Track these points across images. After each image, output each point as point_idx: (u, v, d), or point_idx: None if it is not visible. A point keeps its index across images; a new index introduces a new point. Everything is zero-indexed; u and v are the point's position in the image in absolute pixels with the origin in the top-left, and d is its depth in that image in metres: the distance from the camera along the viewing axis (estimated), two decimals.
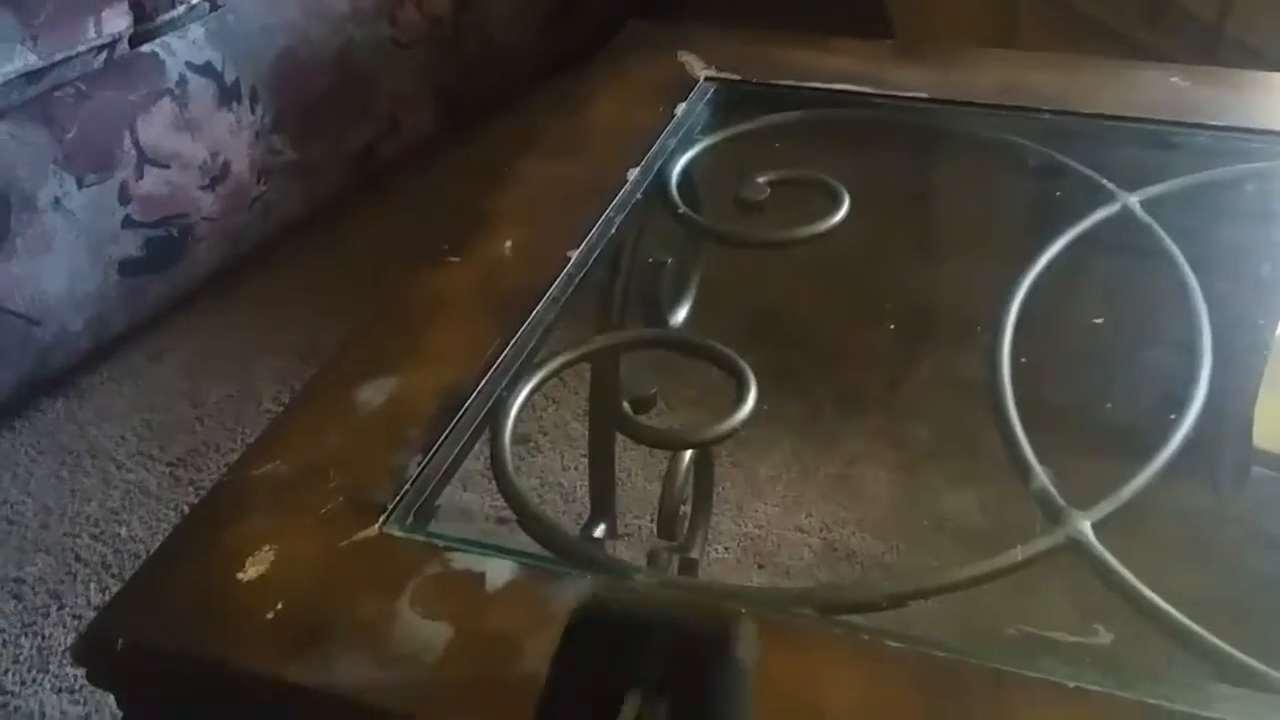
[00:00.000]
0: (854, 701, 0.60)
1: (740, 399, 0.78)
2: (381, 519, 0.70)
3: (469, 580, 0.67)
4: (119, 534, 1.60)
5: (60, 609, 1.50)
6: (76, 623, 1.48)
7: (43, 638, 1.47)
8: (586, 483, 1.55)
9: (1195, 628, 0.63)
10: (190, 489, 1.65)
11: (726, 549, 1.46)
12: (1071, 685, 0.59)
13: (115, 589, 1.59)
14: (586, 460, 1.57)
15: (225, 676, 0.64)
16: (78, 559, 1.56)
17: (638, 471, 1.53)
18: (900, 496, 1.49)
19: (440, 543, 0.69)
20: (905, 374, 1.49)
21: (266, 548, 0.69)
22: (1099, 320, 0.92)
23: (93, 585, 1.53)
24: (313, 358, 1.81)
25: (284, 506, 0.72)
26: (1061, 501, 0.70)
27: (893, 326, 1.19)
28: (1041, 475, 0.71)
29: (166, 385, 1.82)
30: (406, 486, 0.73)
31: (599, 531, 1.16)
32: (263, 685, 0.63)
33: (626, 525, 1.47)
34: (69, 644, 1.45)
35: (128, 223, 1.76)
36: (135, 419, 1.77)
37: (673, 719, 0.32)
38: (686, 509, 1.36)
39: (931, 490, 1.49)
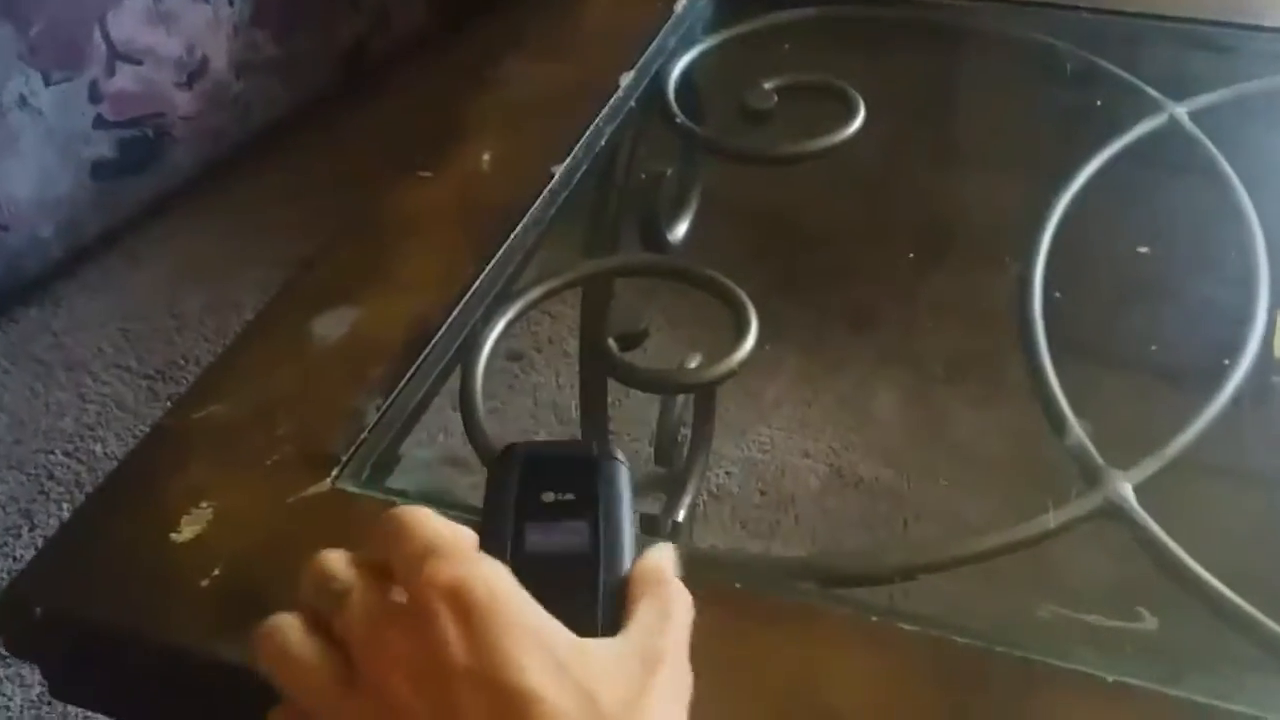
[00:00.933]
0: (862, 696, 0.52)
1: (740, 335, 0.70)
2: (335, 472, 0.63)
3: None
4: (94, 451, 1.53)
5: (32, 530, 1.44)
6: None
7: (14, 559, 1.41)
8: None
9: (1252, 611, 0.55)
10: (168, 404, 1.58)
11: (728, 473, 1.39)
12: (1111, 679, 0.52)
13: None
14: None
15: (155, 652, 0.57)
16: (50, 476, 1.50)
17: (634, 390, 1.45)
18: (913, 421, 1.42)
19: (401, 500, 0.61)
20: (921, 295, 1.40)
21: (204, 504, 0.61)
22: (1143, 249, 0.83)
23: (65, 505, 1.46)
24: (296, 267, 1.72)
25: (226, 456, 0.64)
26: (1099, 460, 0.62)
27: (910, 246, 1.10)
28: (1077, 429, 0.63)
29: (144, 294, 1.74)
30: (364, 434, 0.65)
31: None
32: (197, 663, 0.56)
33: (621, 447, 1.40)
34: None
35: (99, 123, 1.67)
36: (112, 328, 1.70)
37: (578, 504, 0.50)
38: (686, 432, 1.28)
39: (946, 415, 1.41)
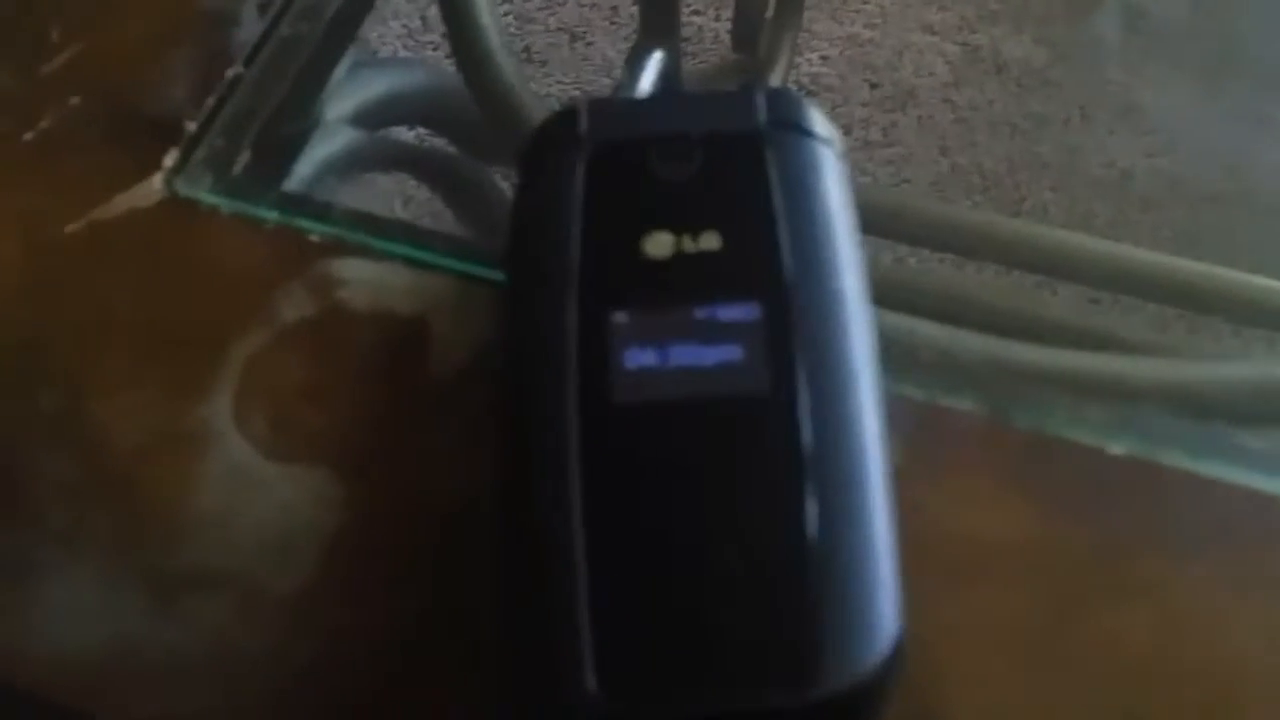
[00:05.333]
0: None
1: None
2: (172, 158, 0.29)
3: (387, 329, 0.26)
4: None
5: None
6: None
7: None
8: None
9: None
10: None
11: (824, 58, 1.03)
12: None
13: None
14: None
15: None
16: None
17: None
18: None
19: (318, 230, 0.28)
20: None
21: None
22: None
23: None
24: None
25: None
26: None
27: None
28: None
29: None
30: (233, 71, 0.30)
31: (652, 67, 0.71)
32: None
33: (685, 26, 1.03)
34: None
35: None
36: None
37: (732, 261, 0.23)
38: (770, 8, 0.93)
39: None
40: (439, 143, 0.62)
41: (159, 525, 0.24)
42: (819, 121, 0.25)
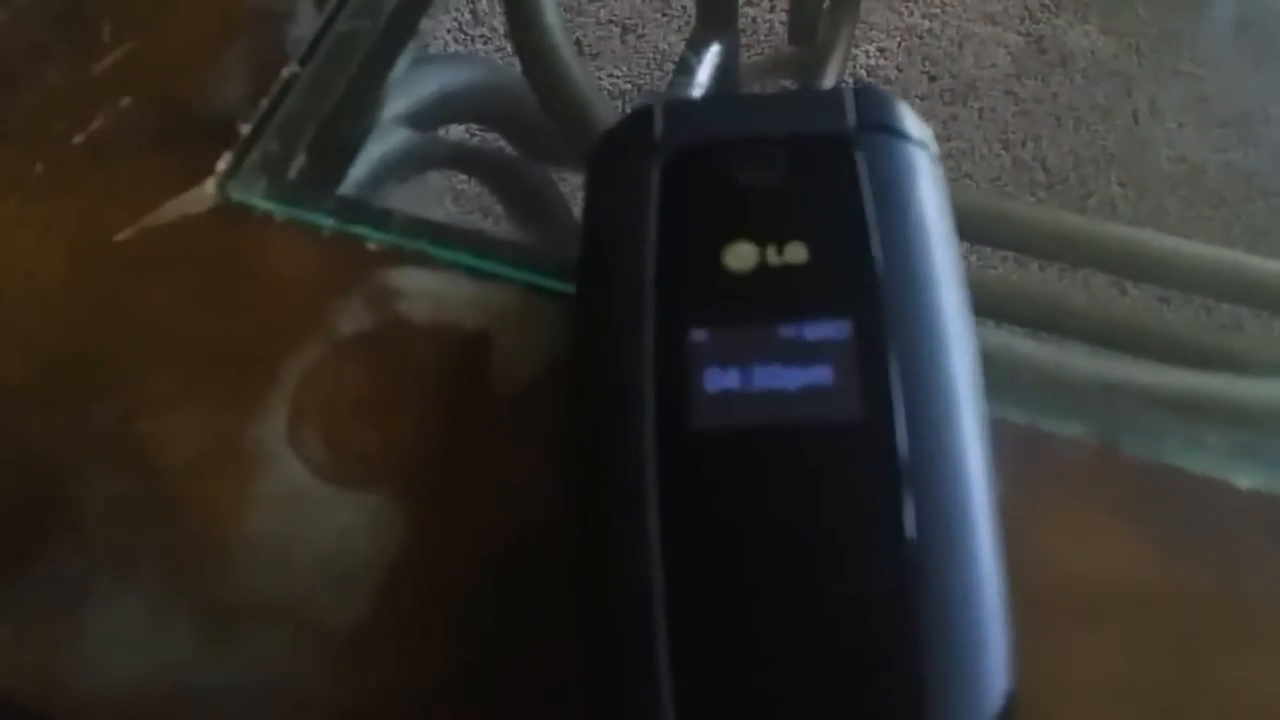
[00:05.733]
0: None
1: None
2: (224, 161, 0.27)
3: (447, 343, 0.25)
4: None
5: None
6: None
7: None
8: None
9: None
10: None
11: (882, 50, 1.01)
12: None
13: None
14: None
15: None
16: None
17: None
18: None
19: (376, 237, 0.26)
20: None
21: None
22: None
23: None
24: None
25: None
26: None
27: None
28: None
29: None
30: (290, 70, 0.29)
31: (709, 59, 0.69)
32: None
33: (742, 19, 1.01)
34: None
35: None
36: None
37: (817, 276, 0.21)
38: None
39: None
40: (491, 138, 0.60)
41: (211, 550, 0.23)
42: (912, 122, 0.24)
